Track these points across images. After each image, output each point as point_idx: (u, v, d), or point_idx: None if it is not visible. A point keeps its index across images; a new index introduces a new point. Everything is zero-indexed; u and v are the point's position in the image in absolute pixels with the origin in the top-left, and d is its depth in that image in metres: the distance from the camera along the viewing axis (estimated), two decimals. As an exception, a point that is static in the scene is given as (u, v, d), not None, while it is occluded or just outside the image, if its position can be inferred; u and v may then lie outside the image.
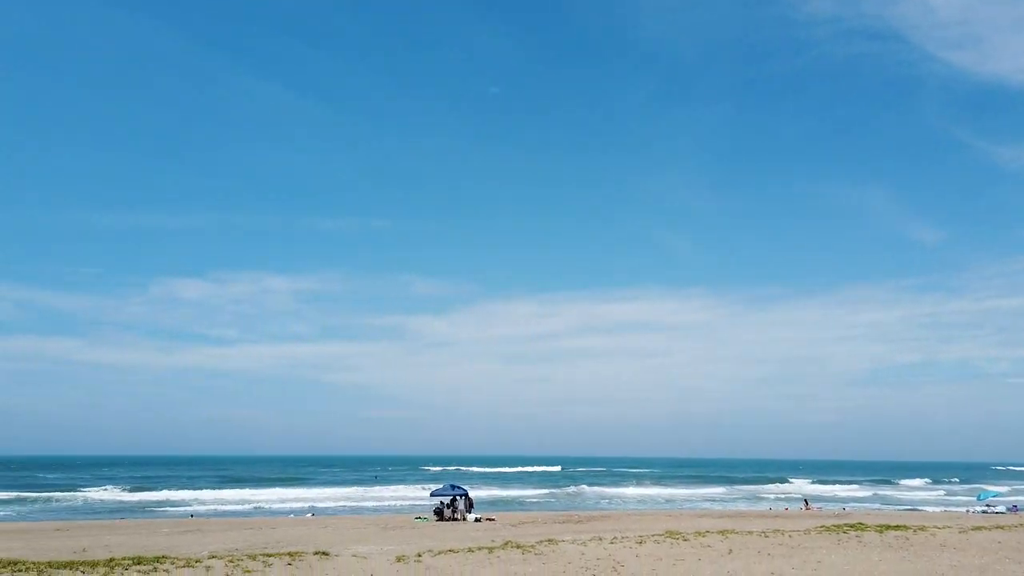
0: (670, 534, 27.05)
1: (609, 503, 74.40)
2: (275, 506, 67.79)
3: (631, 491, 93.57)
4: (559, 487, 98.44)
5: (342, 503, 70.80)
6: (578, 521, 44.21)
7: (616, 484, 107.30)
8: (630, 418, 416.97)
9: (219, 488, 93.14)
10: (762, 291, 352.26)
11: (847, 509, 61.46)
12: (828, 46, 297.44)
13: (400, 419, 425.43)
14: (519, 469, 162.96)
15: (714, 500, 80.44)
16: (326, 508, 63.99)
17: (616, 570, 20.40)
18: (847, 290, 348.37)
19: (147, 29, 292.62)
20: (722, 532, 27.68)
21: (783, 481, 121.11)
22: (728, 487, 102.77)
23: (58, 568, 17.73)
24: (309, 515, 55.10)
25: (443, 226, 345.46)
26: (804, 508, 60.98)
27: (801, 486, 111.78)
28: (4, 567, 17.74)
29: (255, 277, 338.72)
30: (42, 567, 17.87)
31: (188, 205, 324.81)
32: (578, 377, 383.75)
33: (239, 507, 66.86)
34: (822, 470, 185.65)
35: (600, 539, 25.33)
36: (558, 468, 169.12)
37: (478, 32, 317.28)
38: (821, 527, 30.39)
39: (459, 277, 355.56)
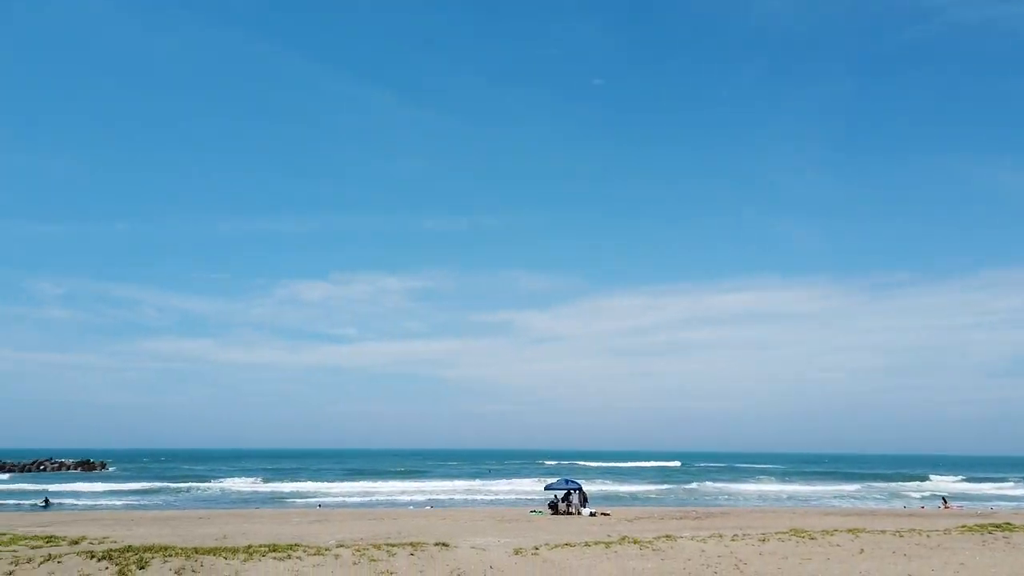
0: (795, 532, 25.97)
1: (728, 499, 72.29)
2: (395, 498, 70.18)
3: (752, 487, 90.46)
4: (676, 483, 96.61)
5: (458, 496, 72.37)
6: (696, 517, 43.23)
7: (736, 480, 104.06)
8: (746, 412, 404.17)
9: (343, 480, 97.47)
10: (888, 277, 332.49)
11: (993, 508, 56.99)
12: (956, 11, 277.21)
13: (510, 413, 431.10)
14: (634, 464, 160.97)
15: (842, 497, 76.48)
16: (443, 501, 65.60)
17: (739, 568, 19.81)
18: (984, 274, 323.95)
19: (264, 48, 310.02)
20: (852, 531, 26.30)
21: (923, 478, 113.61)
22: (860, 484, 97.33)
23: (203, 554, 19.04)
24: (428, 507, 56.68)
25: (549, 221, 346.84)
26: (943, 507, 57.05)
27: (945, 483, 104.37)
28: (156, 552, 19.23)
29: (372, 278, 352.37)
30: (189, 552, 19.24)
31: (308, 210, 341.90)
32: (689, 371, 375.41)
33: (362, 499, 69.67)
34: (966, 466, 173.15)
35: (720, 536, 24.65)
36: (676, 463, 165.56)
37: (579, 23, 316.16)
38: (963, 527, 28.32)
39: (565, 271, 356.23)
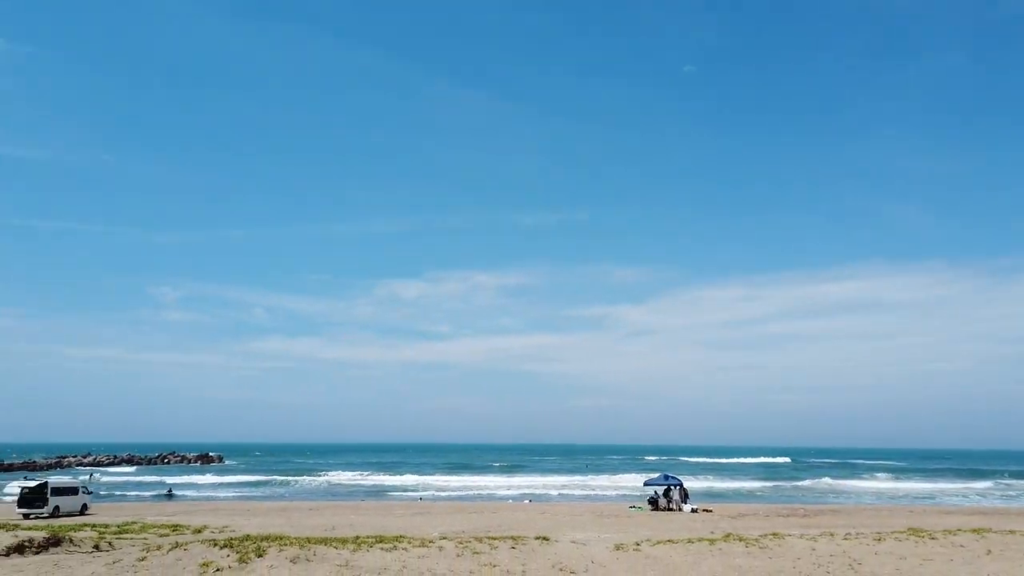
0: (913, 531, 24.60)
1: (838, 497, 69.21)
2: (494, 492, 71.03)
3: (866, 484, 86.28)
4: (783, 479, 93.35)
5: (556, 491, 72.49)
6: (804, 515, 41.70)
7: (848, 477, 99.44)
8: (858, 406, 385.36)
9: (442, 474, 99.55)
10: (1012, 260, 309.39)
11: None
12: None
13: (607, 408, 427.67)
14: (739, 460, 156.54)
15: (968, 496, 71.70)
16: (541, 495, 65.86)
17: (853, 568, 18.97)
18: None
19: (360, 54, 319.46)
20: (977, 531, 24.66)
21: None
22: (990, 482, 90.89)
23: (315, 543, 19.86)
24: (526, 501, 57.08)
25: (641, 213, 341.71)
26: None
27: None
28: (272, 541, 20.20)
29: (465, 275, 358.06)
30: (303, 542, 20.11)
31: (404, 211, 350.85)
32: (794, 363, 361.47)
33: (461, 493, 70.88)
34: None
35: (832, 535, 23.65)
36: (785, 459, 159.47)
37: (668, 9, 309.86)
38: (1106, 529, 26.07)
39: (659, 264, 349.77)
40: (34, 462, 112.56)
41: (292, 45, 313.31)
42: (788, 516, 40.43)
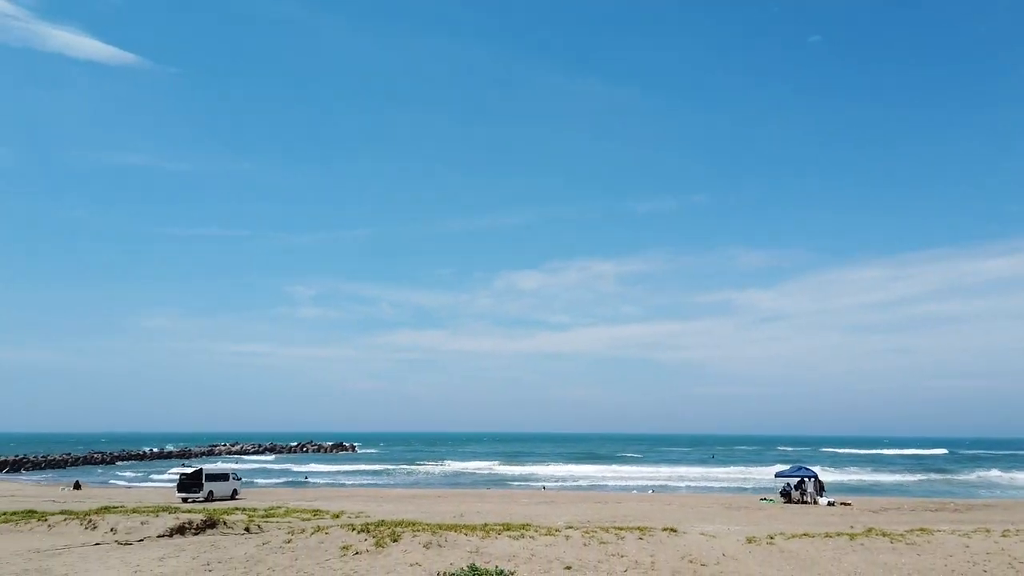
0: (1086, 530, 22.35)
1: (992, 491, 63.92)
2: (618, 483, 70.61)
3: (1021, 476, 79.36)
4: (933, 471, 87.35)
5: (682, 482, 71.14)
6: (955, 510, 38.86)
7: (1009, 469, 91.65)
8: (1013, 391, 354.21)
9: (564, 463, 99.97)
10: None
11: None
12: None
13: (734, 396, 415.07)
14: (883, 451, 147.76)
15: None
16: (667, 486, 64.85)
17: (1014, 568, 17.46)
18: None
19: (471, 49, 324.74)
20: None
21: None
22: None
23: (446, 530, 20.46)
24: (650, 491, 56.39)
25: (765, 193, 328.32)
26: None
27: None
28: (406, 527, 20.99)
29: (584, 265, 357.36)
30: (434, 528, 20.78)
31: (521, 203, 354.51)
32: (946, 347, 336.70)
33: (584, 482, 70.94)
34: None
35: (988, 531, 21.87)
36: (940, 451, 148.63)
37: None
38: None
39: (788, 245, 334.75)
40: (189, 451, 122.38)
41: (405, 45, 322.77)
42: (937, 511, 37.80)
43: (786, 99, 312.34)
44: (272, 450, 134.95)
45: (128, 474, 79.07)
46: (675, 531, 21.73)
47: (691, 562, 17.78)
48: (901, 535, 21.09)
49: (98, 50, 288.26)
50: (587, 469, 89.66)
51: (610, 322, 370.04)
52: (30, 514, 26.46)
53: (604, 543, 19.47)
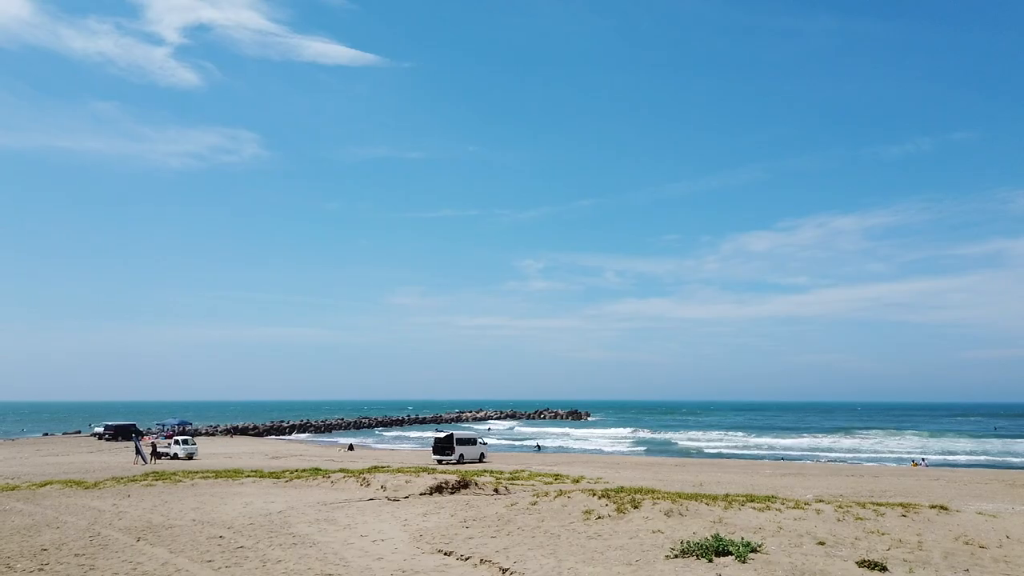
0: None
1: None
2: (870, 455, 65.23)
3: None
4: None
5: (951, 455, 63.92)
6: None
7: None
8: None
9: (806, 434, 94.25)
10: None
11: None
12: None
13: (1010, 359, 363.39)
14: None
15: None
16: (934, 461, 58.69)
17: None
18: None
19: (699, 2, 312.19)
20: None
21: None
22: None
23: (686, 499, 20.31)
24: (914, 463, 51.41)
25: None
26: None
27: None
28: (646, 494, 21.15)
29: (821, 220, 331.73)
30: (674, 497, 20.72)
31: (747, 158, 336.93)
32: None
33: (831, 454, 66.40)
34: None
35: None
36: None
37: None
38: None
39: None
40: (439, 417, 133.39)
41: (619, 5, 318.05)
42: None
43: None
44: (512, 416, 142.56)
45: (390, 435, 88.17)
46: (945, 509, 19.65)
47: (967, 543, 15.98)
48: None
49: (343, 55, 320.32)
50: (835, 440, 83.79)
51: (853, 281, 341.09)
52: (316, 471, 30.56)
53: (861, 519, 18.14)
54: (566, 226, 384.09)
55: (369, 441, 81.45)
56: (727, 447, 75.28)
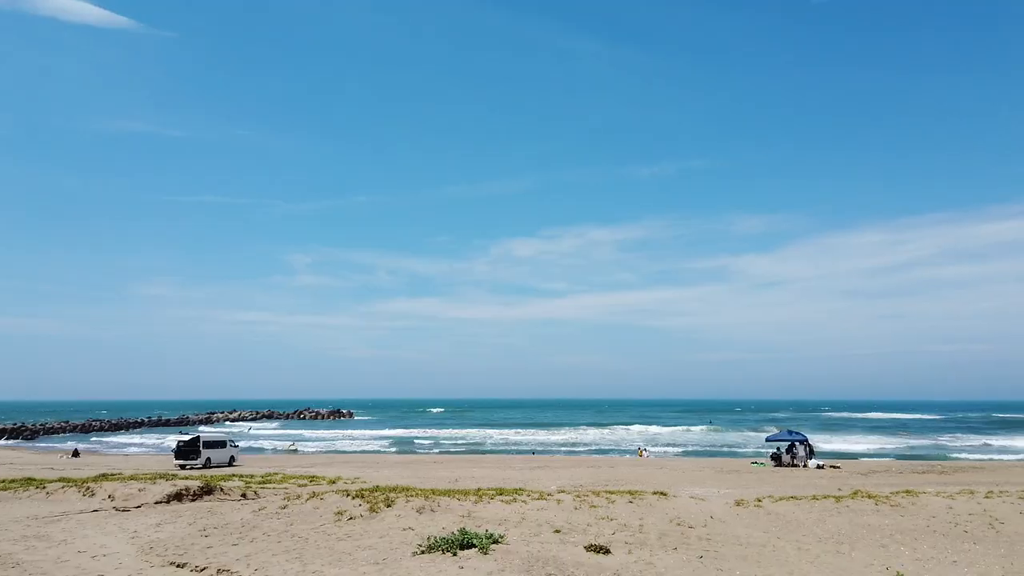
0: (1067, 491, 22.80)
1: (982, 454, 64.84)
2: (612, 448, 71.45)
3: (1011, 440, 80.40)
4: (926, 435, 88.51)
5: (677, 447, 72.01)
6: (942, 472, 39.47)
7: (1003, 432, 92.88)
8: (1015, 356, 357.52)
9: (559, 429, 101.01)
10: None
11: None
12: None
13: (732, 362, 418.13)
14: (880, 415, 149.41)
15: None
16: (663, 452, 65.65)
17: (994, 527, 17.84)
18: None
19: (474, 13, 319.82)
20: None
21: None
22: None
23: (439, 495, 20.78)
24: (644, 456, 57.15)
25: (765, 158, 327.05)
26: None
27: None
28: (400, 492, 21.31)
29: (580, 231, 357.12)
30: (428, 493, 21.09)
31: (518, 170, 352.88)
32: (939, 312, 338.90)
33: (578, 448, 71.75)
34: None
35: (972, 492, 22.31)
36: (935, 416, 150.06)
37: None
38: None
39: (787, 210, 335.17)
40: (187, 418, 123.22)
41: (404, 7, 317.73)
42: (925, 473, 38.41)
43: (788, 64, 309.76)
44: (270, 417, 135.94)
45: (126, 441, 79.77)
46: (665, 495, 22.10)
47: (679, 524, 18.11)
48: (886, 497, 21.50)
49: (91, 13, 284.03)
50: (582, 434, 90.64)
51: (606, 289, 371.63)
52: (29, 481, 26.76)
53: (595, 507, 19.80)
54: (340, 221, 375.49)
55: (100, 446, 73.10)
56: (486, 442, 78.18)
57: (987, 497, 21.38)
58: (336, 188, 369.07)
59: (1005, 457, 59.17)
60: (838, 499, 21.32)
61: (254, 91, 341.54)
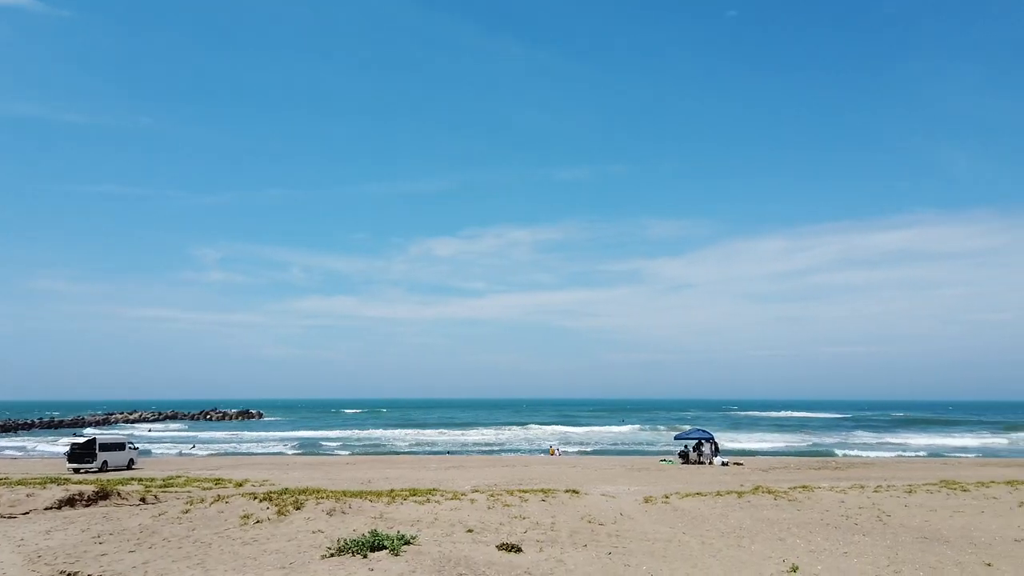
0: (946, 484, 24.52)
1: (873, 451, 68.87)
2: (528, 446, 71.99)
3: (907, 438, 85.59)
4: (823, 432, 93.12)
5: (591, 445, 73.23)
6: (836, 467, 41.67)
7: (891, 430, 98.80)
8: (903, 358, 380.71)
9: (477, 428, 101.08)
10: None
11: None
12: None
13: (644, 363, 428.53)
14: (781, 414, 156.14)
15: (1007, 448, 70.96)
16: (576, 450, 66.60)
17: (882, 520, 18.98)
18: None
19: (391, 6, 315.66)
20: (1011, 483, 24.48)
21: None
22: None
23: (351, 496, 20.45)
24: (559, 455, 57.84)
25: (679, 165, 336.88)
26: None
27: None
28: (310, 494, 20.85)
29: (500, 231, 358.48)
30: (339, 495, 20.72)
31: (439, 169, 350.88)
32: (836, 315, 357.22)
33: (494, 447, 71.99)
34: None
35: (862, 487, 23.67)
36: (832, 414, 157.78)
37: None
38: None
39: (698, 216, 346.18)
40: (83, 419, 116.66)
41: (325, 3, 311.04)
42: (820, 469, 40.45)
43: (703, 73, 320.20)
44: (174, 418, 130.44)
45: (14, 444, 74.81)
46: (577, 493, 22.47)
47: (590, 522, 18.45)
48: (784, 492, 22.54)
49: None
50: (499, 434, 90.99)
51: (524, 289, 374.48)
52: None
53: (508, 506, 19.93)
54: (251, 215, 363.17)
55: (-14, 450, 68.32)
56: (403, 443, 77.38)
57: (876, 491, 22.73)
58: (248, 181, 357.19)
59: (897, 454, 63.01)
60: (740, 495, 22.21)
61: (160, 77, 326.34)
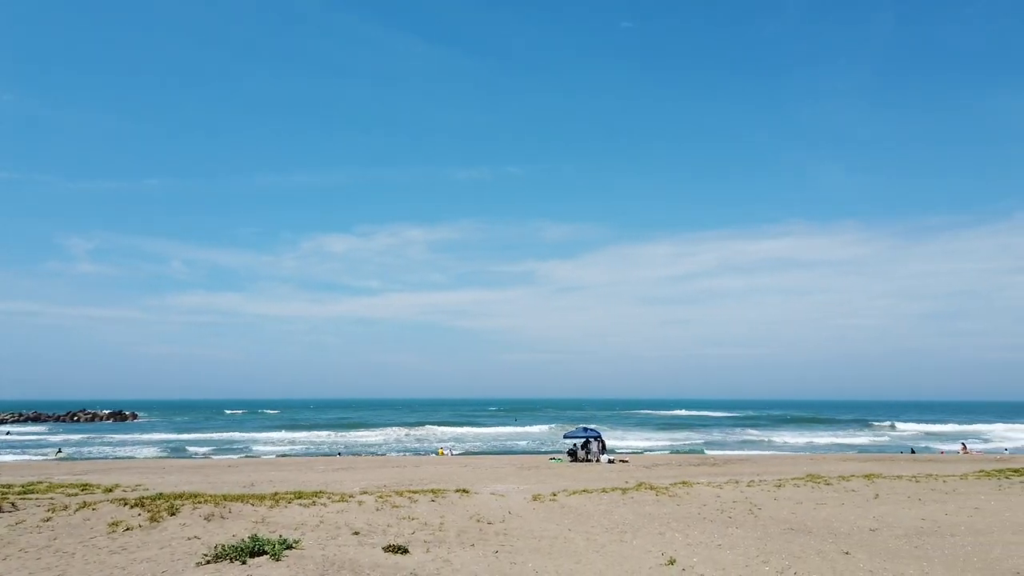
0: (811, 478, 26.23)
1: (748, 447, 72.88)
2: (419, 446, 71.57)
3: (775, 435, 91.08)
4: (700, 430, 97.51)
5: (482, 444, 73.60)
6: (714, 464, 43.71)
7: (759, 427, 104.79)
8: (778, 359, 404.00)
9: (366, 429, 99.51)
10: (923, 221, 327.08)
11: (1009, 452, 56.99)
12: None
13: (536, 362, 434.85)
14: (665, 412, 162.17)
15: (867, 443, 76.82)
16: (467, 449, 66.76)
17: (753, 512, 20.08)
18: (1021, 216, 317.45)
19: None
20: (868, 476, 26.49)
21: (965, 423, 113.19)
22: (891, 431, 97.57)
23: (232, 501, 19.65)
24: (445, 453, 57.81)
25: (574, 170, 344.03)
26: (962, 451, 57.13)
27: (991, 430, 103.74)
28: (187, 499, 19.88)
29: (395, 229, 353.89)
30: (218, 499, 19.86)
31: (333, 163, 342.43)
32: (719, 318, 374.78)
33: (384, 448, 71.13)
34: (1004, 412, 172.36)
35: (737, 482, 24.96)
36: (706, 412, 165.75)
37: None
38: (980, 472, 28.39)
39: (591, 221, 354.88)
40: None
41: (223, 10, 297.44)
42: (699, 465, 42.31)
43: (599, 83, 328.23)
44: (36, 419, 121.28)
45: None
46: (467, 492, 22.53)
47: (478, 521, 18.54)
48: (665, 488, 23.46)
49: None
50: (390, 434, 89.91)
51: (419, 288, 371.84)
52: None
53: (397, 507, 19.73)
54: (128, 205, 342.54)
55: None
56: (293, 443, 75.17)
57: (749, 486, 24.02)
58: (125, 169, 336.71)
59: (770, 449, 66.85)
60: (624, 491, 22.93)
61: (31, 54, 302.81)
